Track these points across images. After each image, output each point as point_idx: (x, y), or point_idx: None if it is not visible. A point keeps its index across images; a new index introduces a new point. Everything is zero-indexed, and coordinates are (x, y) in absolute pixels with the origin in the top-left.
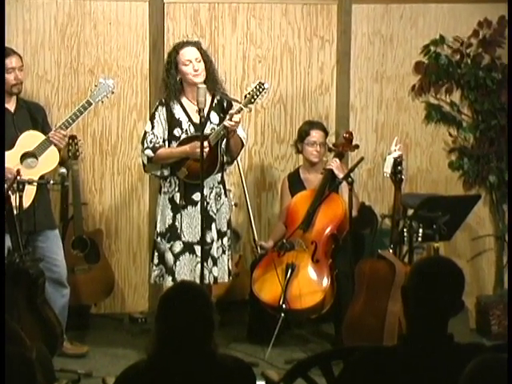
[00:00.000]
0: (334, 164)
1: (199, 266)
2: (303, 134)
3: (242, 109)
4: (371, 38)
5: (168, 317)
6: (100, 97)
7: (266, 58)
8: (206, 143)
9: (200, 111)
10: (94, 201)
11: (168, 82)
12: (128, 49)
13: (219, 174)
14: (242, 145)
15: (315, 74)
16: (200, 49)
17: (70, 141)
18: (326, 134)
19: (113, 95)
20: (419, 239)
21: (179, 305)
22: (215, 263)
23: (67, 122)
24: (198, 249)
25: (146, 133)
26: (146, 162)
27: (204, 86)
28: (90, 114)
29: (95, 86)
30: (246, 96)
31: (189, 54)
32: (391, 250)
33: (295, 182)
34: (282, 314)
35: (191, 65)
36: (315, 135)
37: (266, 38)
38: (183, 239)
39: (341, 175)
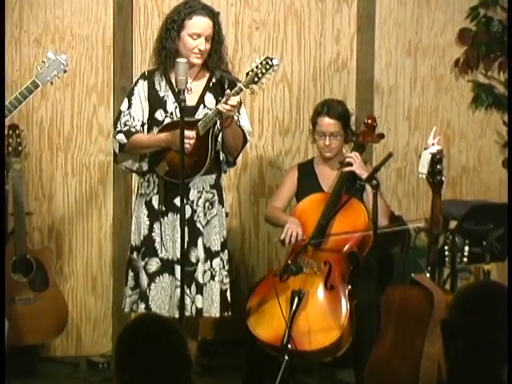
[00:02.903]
0: (356, 161)
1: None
2: (311, 121)
3: (241, 89)
4: None
5: (129, 362)
6: (49, 77)
7: (265, 23)
8: (193, 132)
9: (180, 93)
10: (41, 210)
11: (163, 47)
12: (86, 12)
13: (213, 176)
14: (245, 139)
15: (329, 44)
16: (216, 23)
17: (11, 132)
18: (343, 120)
19: (66, 74)
20: (465, 260)
21: (141, 344)
22: (200, 291)
23: (7, 108)
24: (179, 269)
25: (120, 112)
26: (117, 150)
27: (184, 60)
28: (37, 96)
29: (43, 62)
30: (248, 73)
31: (202, 27)
32: (428, 274)
33: (307, 175)
34: (286, 357)
35: (198, 41)
36: (324, 123)
37: None
38: (161, 255)
39: (364, 175)
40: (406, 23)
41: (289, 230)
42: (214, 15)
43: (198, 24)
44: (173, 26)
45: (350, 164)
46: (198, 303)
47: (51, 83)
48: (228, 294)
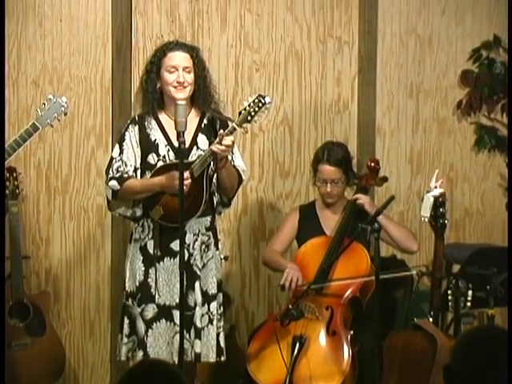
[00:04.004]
0: (365, 200)
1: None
2: (312, 166)
3: (234, 129)
4: (404, 40)
5: None
6: (49, 119)
7: (265, 65)
8: (186, 173)
9: (179, 135)
10: (38, 254)
11: (145, 90)
12: (84, 53)
13: (208, 218)
14: (240, 179)
15: (330, 86)
16: (194, 57)
17: (8, 175)
18: (344, 165)
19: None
20: (468, 304)
21: None
22: (198, 335)
23: (6, 152)
24: (177, 314)
25: (112, 159)
26: (110, 196)
27: (183, 102)
28: (34, 138)
29: (43, 104)
30: (240, 113)
31: (177, 59)
32: (431, 319)
33: (309, 218)
34: None
35: (176, 74)
36: (325, 171)
37: (266, 40)
38: (158, 301)
39: (373, 212)
40: (407, 65)
41: (288, 274)
42: (190, 49)
43: (174, 57)
44: (151, 67)
45: (361, 204)
46: (197, 348)
47: (51, 126)
48: (221, 337)
